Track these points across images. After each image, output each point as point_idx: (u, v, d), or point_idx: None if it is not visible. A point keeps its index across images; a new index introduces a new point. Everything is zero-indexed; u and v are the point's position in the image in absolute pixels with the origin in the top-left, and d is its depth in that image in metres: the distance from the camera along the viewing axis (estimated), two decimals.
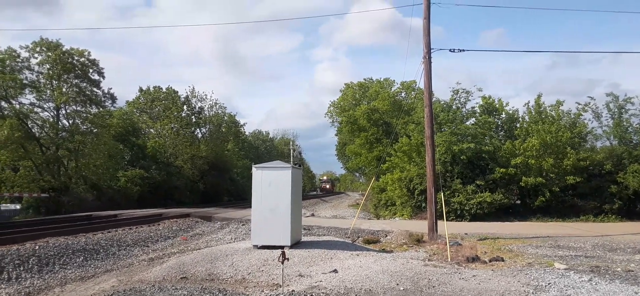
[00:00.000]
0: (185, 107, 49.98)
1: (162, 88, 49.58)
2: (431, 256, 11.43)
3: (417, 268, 9.20)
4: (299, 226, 12.57)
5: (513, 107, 27.03)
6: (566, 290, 7.43)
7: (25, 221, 23.36)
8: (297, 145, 65.98)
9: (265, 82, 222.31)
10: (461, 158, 23.33)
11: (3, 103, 31.24)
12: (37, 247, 12.53)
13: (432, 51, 15.40)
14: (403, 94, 43.21)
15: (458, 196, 22.50)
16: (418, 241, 14.17)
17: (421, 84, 15.97)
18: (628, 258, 10.92)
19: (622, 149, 23.43)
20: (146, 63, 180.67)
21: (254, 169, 11.52)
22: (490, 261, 10.61)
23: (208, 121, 53.82)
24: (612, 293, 7.23)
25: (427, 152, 15.35)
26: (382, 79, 48.29)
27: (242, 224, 18.98)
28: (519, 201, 24.51)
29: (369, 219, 25.16)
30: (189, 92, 51.12)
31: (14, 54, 31.66)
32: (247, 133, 70.45)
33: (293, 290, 7.39)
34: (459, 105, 27.21)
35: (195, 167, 47.15)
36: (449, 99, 27.40)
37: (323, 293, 7.18)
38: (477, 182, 22.89)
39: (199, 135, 53.15)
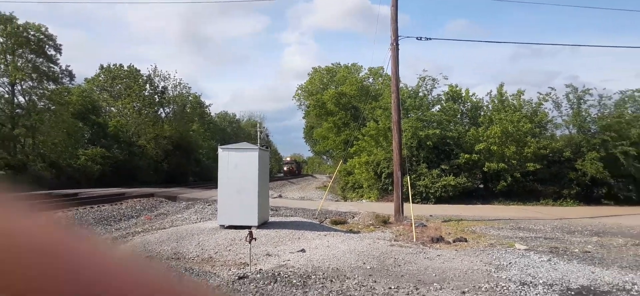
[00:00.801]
0: (147, 86, 48.63)
1: (123, 66, 48.10)
2: (397, 237, 11.61)
3: (384, 248, 9.33)
4: (266, 207, 12.53)
5: (478, 97, 27.60)
6: (526, 269, 7.70)
7: None
8: (264, 127, 65.75)
9: (231, 64, 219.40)
10: (427, 143, 23.73)
11: None
12: None
13: (399, 38, 15.49)
14: (371, 80, 43.48)
15: (423, 179, 22.93)
16: (384, 222, 14.37)
17: (389, 70, 16.11)
18: (585, 240, 11.42)
19: (580, 138, 24.35)
20: (106, 40, 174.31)
21: (220, 150, 11.37)
22: (454, 241, 10.88)
23: (172, 100, 52.57)
24: (570, 272, 7.54)
25: (394, 137, 15.52)
26: (350, 65, 48.42)
27: (208, 205, 18.76)
28: (482, 185, 25.20)
29: (336, 201, 25.33)
30: (151, 71, 49.77)
31: None
32: (213, 114, 69.39)
33: (261, 269, 7.37)
34: (426, 92, 27.62)
35: (159, 147, 46.13)
36: (415, 85, 27.77)
37: (291, 271, 7.19)
38: (442, 166, 23.37)
39: (163, 115, 51.93)
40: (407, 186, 14.83)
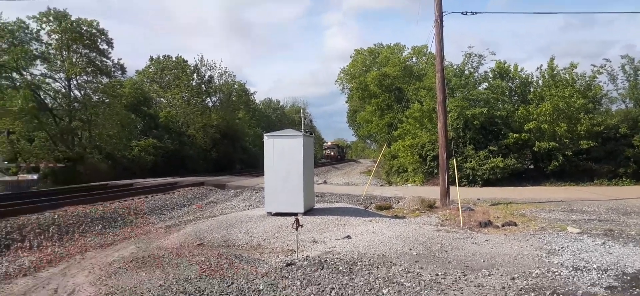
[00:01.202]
0: (195, 76, 49.90)
1: (171, 57, 49.51)
2: (444, 222, 11.51)
3: (430, 233, 9.29)
4: (311, 193, 12.69)
5: (527, 72, 26.56)
6: (579, 254, 7.48)
7: (44, 190, 23.86)
8: (307, 113, 66.18)
9: (274, 49, 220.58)
10: (474, 123, 23.18)
11: (15, 75, 31.50)
12: (56, 216, 12.84)
13: (443, 14, 15.13)
14: (414, 59, 42.70)
15: (470, 161, 22.46)
16: (430, 207, 14.26)
17: (432, 48, 15.77)
18: None
19: (637, 112, 23.06)
20: (154, 32, 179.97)
21: (265, 138, 11.58)
22: (503, 225, 10.67)
23: (218, 89, 53.80)
24: (625, 256, 7.26)
25: (439, 118, 15.27)
26: (392, 45, 47.59)
27: (255, 192, 19.21)
28: (532, 166, 24.39)
29: (381, 185, 25.29)
30: (198, 61, 51.00)
31: (23, 25, 31.74)
32: (257, 102, 70.48)
33: (307, 256, 7.54)
34: (472, 70, 26.90)
35: (207, 136, 47.44)
36: (461, 63, 27.09)
37: (337, 258, 7.31)
38: (490, 147, 22.79)
39: (210, 104, 53.24)
40: (454, 169, 14.62)
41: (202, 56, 54.18)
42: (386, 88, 37.78)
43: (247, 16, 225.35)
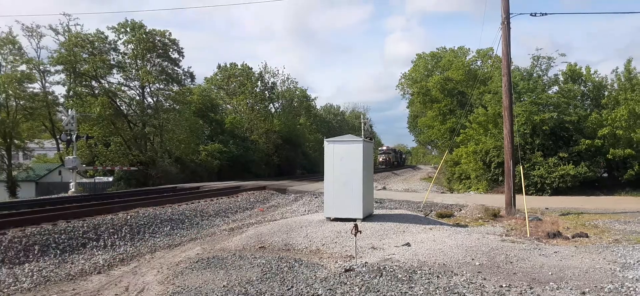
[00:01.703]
0: (259, 82, 51.36)
1: (237, 65, 51.22)
2: (509, 232, 11.08)
3: (494, 243, 8.98)
4: (370, 199, 12.66)
5: (601, 75, 25.01)
6: None
7: (117, 192, 25.45)
8: (367, 118, 65.54)
9: (335, 55, 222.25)
10: (542, 128, 22.12)
11: (94, 83, 33.88)
12: (128, 217, 13.64)
13: (511, 15, 14.63)
14: (479, 63, 41.43)
15: (538, 169, 21.44)
16: (494, 216, 13.77)
17: (498, 51, 15.30)
18: None
19: None
20: (222, 41, 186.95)
21: (325, 143, 11.69)
22: (573, 237, 10.12)
23: (280, 96, 55.05)
24: None
25: (505, 123, 14.73)
26: (456, 48, 46.49)
27: (315, 197, 19.40)
28: (605, 174, 22.94)
29: (442, 193, 24.72)
30: (262, 68, 52.43)
31: (102, 36, 34.11)
32: (318, 107, 71.30)
33: (366, 262, 7.53)
34: (540, 73, 25.71)
35: (269, 141, 48.62)
36: (529, 66, 25.97)
37: (396, 265, 7.25)
38: (560, 154, 21.64)
39: (273, 110, 54.56)
40: (520, 176, 14.03)
41: (266, 63, 55.84)
42: (449, 93, 36.94)
43: (310, 23, 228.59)
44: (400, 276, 6.71)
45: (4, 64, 31.33)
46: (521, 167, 14.42)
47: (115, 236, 11.85)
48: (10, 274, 8.55)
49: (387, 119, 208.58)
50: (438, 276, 6.70)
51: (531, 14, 15.11)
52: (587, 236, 10.10)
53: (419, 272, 6.89)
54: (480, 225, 12.47)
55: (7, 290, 7.73)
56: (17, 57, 31.77)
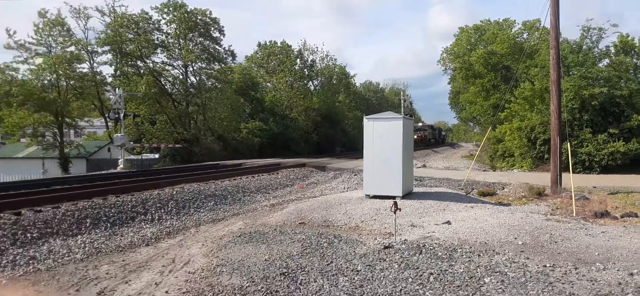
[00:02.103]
0: (298, 60, 51.44)
1: (277, 42, 51.41)
2: (554, 211, 10.78)
3: (538, 222, 8.77)
4: (410, 177, 12.58)
5: None
6: None
7: (163, 168, 26.35)
8: (407, 95, 64.24)
9: (375, 29, 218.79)
10: (592, 103, 21.13)
11: (139, 62, 34.91)
12: (174, 192, 14.14)
13: None
14: (525, 36, 39.81)
15: (586, 146, 20.58)
16: (539, 194, 13.40)
17: (546, 23, 14.65)
18: None
19: None
20: (262, 19, 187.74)
21: (365, 121, 11.65)
22: (621, 216, 9.74)
23: (320, 73, 54.98)
24: None
25: (552, 98, 14.19)
26: (500, 20, 44.79)
27: (354, 175, 19.44)
28: None
29: (484, 171, 24.20)
30: (301, 46, 52.41)
31: (145, 16, 34.98)
32: (357, 84, 70.80)
33: (405, 239, 7.53)
34: (590, 45, 24.46)
35: (308, 119, 48.86)
36: (578, 38, 24.75)
37: (436, 243, 7.22)
38: (610, 130, 20.66)
39: (312, 88, 54.63)
40: (567, 154, 13.55)
41: (305, 41, 56.03)
42: (492, 67, 35.74)
43: None
44: (440, 254, 6.69)
45: (54, 45, 32.71)
46: (569, 144, 13.92)
47: (162, 211, 12.32)
48: (64, 245, 9.07)
49: (427, 96, 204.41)
50: (479, 255, 6.63)
51: None
52: (637, 216, 9.70)
53: (459, 250, 6.84)
54: (524, 204, 12.18)
55: (61, 260, 8.20)
56: (66, 39, 33.11)
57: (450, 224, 8.68)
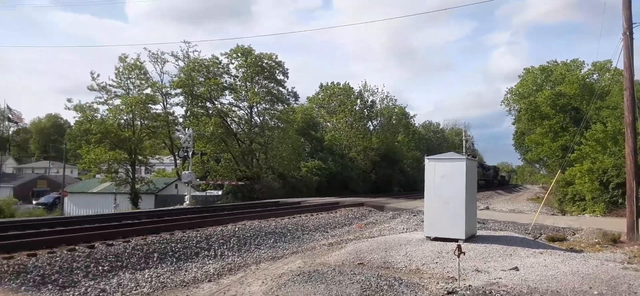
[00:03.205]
0: (358, 101, 51.95)
1: (339, 84, 52.32)
2: (631, 259, 10.03)
3: (614, 271, 8.21)
4: (473, 219, 12.21)
5: None
6: None
7: (226, 205, 27.11)
8: (469, 135, 62.69)
9: (435, 72, 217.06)
10: None
11: (208, 104, 36.66)
12: (236, 229, 14.49)
13: (634, 25, 13.44)
14: (595, 76, 38.19)
15: None
16: (614, 241, 12.54)
17: (619, 64, 14.02)
18: None
19: None
20: (323, 61, 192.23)
21: (426, 161, 11.53)
22: None
23: (379, 113, 55.12)
24: None
25: (627, 141, 13.43)
26: (568, 61, 43.26)
27: (414, 215, 19.09)
28: None
29: (552, 214, 22.96)
30: (361, 87, 53.02)
31: (216, 61, 36.94)
32: (417, 125, 70.15)
33: (470, 285, 7.29)
34: None
35: (367, 158, 48.81)
36: None
37: (503, 290, 6.93)
38: None
39: (371, 127, 54.75)
40: None
41: (365, 82, 56.73)
42: (560, 108, 34.44)
43: (411, 41, 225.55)
44: None
45: (132, 87, 35.10)
46: None
47: (225, 247, 12.65)
48: (132, 279, 9.41)
49: (489, 137, 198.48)
50: None
51: None
52: None
53: None
54: (597, 251, 11.43)
55: (129, 294, 8.51)
56: (143, 81, 35.44)
57: (518, 270, 8.31)
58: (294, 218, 17.84)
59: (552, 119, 34.81)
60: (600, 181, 21.88)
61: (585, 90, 33.63)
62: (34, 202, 47.77)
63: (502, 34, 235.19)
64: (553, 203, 28.97)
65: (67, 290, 8.43)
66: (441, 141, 78.21)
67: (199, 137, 33.84)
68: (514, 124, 51.36)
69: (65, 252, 9.97)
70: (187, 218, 17.17)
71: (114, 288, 8.83)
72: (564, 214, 23.52)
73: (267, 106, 38.70)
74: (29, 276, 8.59)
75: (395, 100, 58.70)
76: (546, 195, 22.86)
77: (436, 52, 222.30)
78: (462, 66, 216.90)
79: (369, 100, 53.63)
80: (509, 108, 50.62)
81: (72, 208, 41.42)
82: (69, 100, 34.70)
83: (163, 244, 11.67)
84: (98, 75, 33.53)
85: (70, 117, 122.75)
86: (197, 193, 32.59)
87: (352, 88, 51.76)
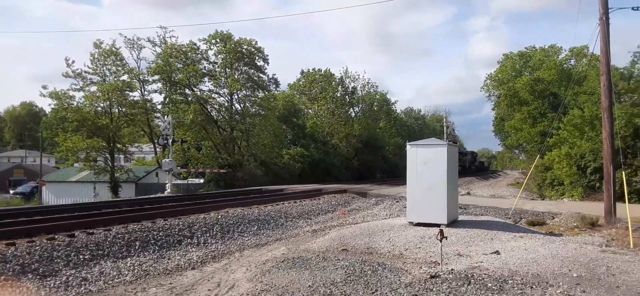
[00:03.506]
0: (339, 87, 51.88)
1: (320, 70, 52.13)
2: (609, 242, 10.28)
3: (593, 253, 8.39)
4: (455, 205, 12.32)
5: None
6: None
7: (208, 193, 26.91)
8: (450, 121, 63.29)
9: (416, 58, 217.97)
10: None
11: (187, 91, 36.17)
12: (219, 216, 14.42)
13: (610, 10, 13.58)
14: (572, 62, 38.80)
15: None
16: (592, 224, 12.82)
17: (595, 49, 14.24)
18: None
19: None
20: (304, 47, 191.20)
21: (408, 147, 11.56)
22: None
23: (361, 100, 55.16)
24: None
25: (604, 125, 13.67)
26: (546, 47, 43.85)
27: (396, 201, 19.23)
28: None
29: (532, 199, 23.39)
30: (343, 73, 52.90)
31: (194, 47, 36.36)
32: (398, 111, 70.48)
33: (452, 269, 7.36)
34: None
35: (349, 145, 48.93)
36: (629, 64, 23.89)
37: (485, 274, 7.01)
38: None
39: (353, 114, 54.79)
40: (622, 183, 12.94)
41: (346, 68, 56.47)
42: (539, 94, 34.93)
43: (391, 27, 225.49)
44: (490, 285, 6.50)
45: (108, 74, 34.39)
46: (623, 172, 13.30)
47: (208, 235, 12.58)
48: (114, 267, 9.36)
49: (470, 123, 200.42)
50: (531, 287, 6.40)
51: (633, 8, 13.92)
52: None
53: (510, 282, 6.62)
54: (576, 235, 11.68)
55: (111, 282, 8.48)
56: (119, 68, 34.76)
57: (499, 254, 8.42)
58: (277, 205, 17.82)
59: (531, 105, 35.30)
60: (578, 166, 22.33)
61: (563, 75, 34.15)
62: (11, 191, 46.80)
63: (482, 19, 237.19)
64: (532, 188, 29.49)
65: (48, 278, 8.33)
66: (423, 127, 78.77)
67: (179, 125, 33.42)
68: (493, 109, 52.03)
69: (45, 241, 9.88)
70: (168, 206, 17.04)
71: (96, 276, 8.73)
72: (543, 199, 23.96)
73: (247, 93, 38.38)
74: (8, 265, 8.49)
75: (377, 86, 58.98)
76: (526, 180, 23.28)
77: (417, 38, 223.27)
78: (443, 52, 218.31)
79: (351, 87, 53.64)
80: (489, 94, 51.22)
81: (50, 197, 40.68)
82: (44, 87, 33.76)
83: (145, 233, 11.57)
84: (73, 62, 32.81)
85: (46, 104, 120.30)
86: (179, 182, 32.28)
87: (333, 75, 51.70)
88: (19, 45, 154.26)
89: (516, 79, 39.92)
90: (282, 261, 8.61)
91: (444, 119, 53.81)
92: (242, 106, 38.55)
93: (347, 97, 53.14)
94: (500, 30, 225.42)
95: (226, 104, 37.93)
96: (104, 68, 34.15)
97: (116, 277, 8.78)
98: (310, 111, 52.31)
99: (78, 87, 33.27)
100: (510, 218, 14.71)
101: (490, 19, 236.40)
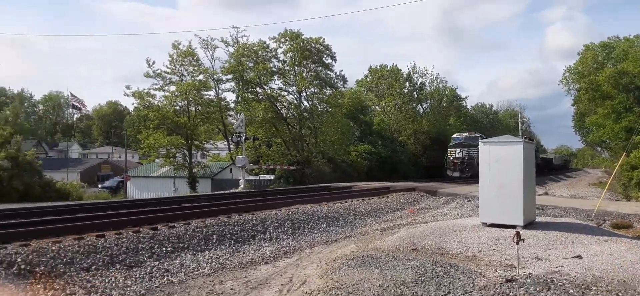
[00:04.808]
0: (407, 83, 51.15)
1: (387, 66, 51.70)
2: None
3: None
4: (532, 205, 11.81)
5: None
6: None
7: (278, 189, 27.61)
8: (525, 117, 60.57)
9: (487, 52, 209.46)
10: None
11: (258, 89, 37.29)
12: (290, 212, 14.78)
13: None
14: None
15: None
16: None
17: None
18: None
19: None
20: (371, 43, 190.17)
21: (481, 144, 11.26)
22: None
23: (429, 96, 54.09)
24: None
25: None
26: (631, 37, 40.59)
27: (467, 201, 18.71)
28: None
29: (616, 200, 21.84)
30: (410, 69, 52.14)
31: (264, 45, 37.39)
32: (468, 107, 68.31)
33: (530, 273, 7.10)
34: None
35: (417, 142, 48.16)
36: None
37: (565, 279, 6.70)
38: None
39: (421, 111, 53.86)
40: None
41: (414, 64, 55.60)
42: (624, 87, 32.54)
43: (460, 20, 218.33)
44: (571, 291, 6.22)
45: (185, 74, 36.24)
46: None
47: (279, 230, 12.95)
48: (193, 260, 9.86)
49: (547, 118, 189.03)
50: (617, 295, 6.06)
51: None
52: None
53: (593, 288, 6.30)
54: None
55: (191, 274, 8.93)
56: (195, 68, 36.52)
57: (581, 258, 8.01)
58: (345, 202, 17.93)
59: (615, 99, 33.01)
60: None
61: None
62: (99, 186, 50.55)
63: (558, 9, 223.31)
64: (617, 188, 27.56)
65: (134, 269, 8.94)
66: (495, 123, 75.69)
67: (251, 123, 34.56)
68: (573, 104, 49.06)
69: (131, 233, 10.56)
70: (242, 201, 17.66)
71: (177, 268, 9.28)
72: (629, 200, 22.35)
73: (315, 91, 38.87)
74: (98, 256, 9.13)
75: (446, 82, 57.44)
76: (609, 180, 21.76)
77: (489, 31, 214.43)
78: (516, 45, 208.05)
79: (418, 82, 52.74)
80: (568, 88, 48.31)
81: (134, 191, 43.63)
82: (128, 87, 36.18)
83: (221, 227, 12.11)
84: (153, 62, 34.87)
85: (129, 103, 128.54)
86: (251, 177, 33.35)
87: (401, 70, 51.04)
88: (100, 48, 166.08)
89: (598, 72, 37.39)
90: (352, 259, 8.68)
91: (519, 115, 51.46)
92: (310, 103, 39.14)
93: (415, 93, 52.30)
94: (578, 19, 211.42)
95: (295, 101, 38.68)
96: (182, 68, 36.02)
97: (196, 269, 9.25)
98: (377, 107, 52.03)
99: (158, 86, 35.36)
100: (592, 220, 13.87)
101: (567, 8, 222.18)
